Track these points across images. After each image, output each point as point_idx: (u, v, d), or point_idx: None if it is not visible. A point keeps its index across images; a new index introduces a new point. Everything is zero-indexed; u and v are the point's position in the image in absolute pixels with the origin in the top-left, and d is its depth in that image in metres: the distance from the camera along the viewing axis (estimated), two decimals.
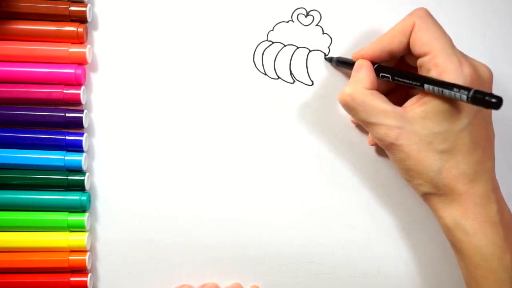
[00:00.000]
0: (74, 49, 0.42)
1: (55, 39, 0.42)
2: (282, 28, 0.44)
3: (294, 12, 0.44)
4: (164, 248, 0.45)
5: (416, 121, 0.36)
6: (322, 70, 0.44)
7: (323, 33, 0.44)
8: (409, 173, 0.38)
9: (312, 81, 0.45)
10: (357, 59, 0.40)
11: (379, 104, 0.37)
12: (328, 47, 0.44)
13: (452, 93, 0.33)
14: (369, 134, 0.44)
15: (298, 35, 0.44)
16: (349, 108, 0.38)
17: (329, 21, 0.44)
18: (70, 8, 0.42)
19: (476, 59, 0.37)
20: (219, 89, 0.44)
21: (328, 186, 0.45)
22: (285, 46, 0.44)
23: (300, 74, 0.45)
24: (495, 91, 0.40)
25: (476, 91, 0.32)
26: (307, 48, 0.44)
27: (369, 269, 0.46)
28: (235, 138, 0.45)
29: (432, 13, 0.38)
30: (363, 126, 0.39)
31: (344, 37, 0.44)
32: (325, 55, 0.44)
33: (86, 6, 0.42)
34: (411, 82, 0.36)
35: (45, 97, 0.43)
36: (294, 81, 0.45)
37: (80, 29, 0.42)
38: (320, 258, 0.46)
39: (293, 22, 0.44)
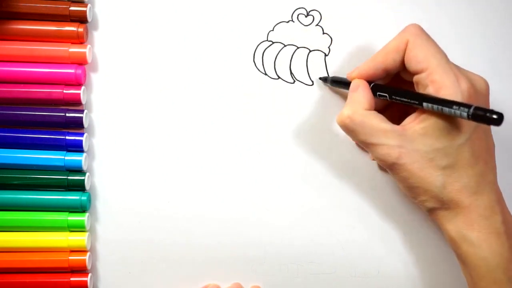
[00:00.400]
0: (74, 49, 0.42)
1: (55, 39, 0.42)
2: (282, 28, 0.44)
3: (294, 12, 0.44)
4: (164, 248, 0.45)
5: (416, 138, 0.36)
6: (322, 70, 0.44)
7: (323, 33, 0.44)
8: (413, 191, 0.38)
9: (312, 81, 0.45)
10: (353, 78, 0.40)
11: (379, 124, 0.37)
12: (328, 47, 0.44)
13: (452, 110, 0.33)
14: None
15: (298, 35, 0.44)
16: (349, 130, 0.38)
17: (329, 21, 0.44)
18: (70, 8, 0.42)
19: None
20: (219, 89, 0.44)
21: (328, 186, 0.45)
22: (285, 46, 0.44)
23: (300, 74, 0.45)
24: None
25: (477, 108, 0.32)
26: (307, 48, 0.44)
27: (369, 269, 0.46)
28: (235, 138, 0.45)
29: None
30: (363, 147, 0.39)
31: (344, 37, 0.44)
32: (325, 55, 0.44)
33: (86, 6, 0.42)
34: (409, 101, 0.36)
35: (45, 97, 0.43)
36: (294, 81, 0.45)
37: (80, 29, 0.42)
38: (320, 258, 0.46)
39: (293, 22, 0.44)
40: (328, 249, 0.46)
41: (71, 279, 0.44)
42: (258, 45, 0.44)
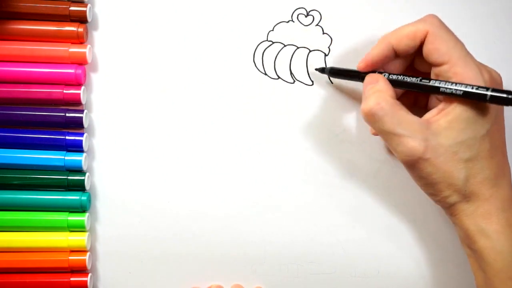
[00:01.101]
0: (74, 49, 0.42)
1: (55, 39, 0.42)
2: (282, 28, 0.44)
3: (294, 12, 0.44)
4: (164, 248, 0.45)
5: (440, 132, 0.36)
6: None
7: (323, 33, 0.44)
8: (435, 187, 0.37)
9: (312, 81, 0.45)
10: (366, 66, 0.40)
11: (406, 115, 0.37)
12: (328, 47, 0.44)
13: (473, 90, 0.34)
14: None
15: (298, 35, 0.44)
16: (376, 118, 0.37)
17: (329, 21, 0.44)
18: (70, 8, 0.42)
19: (475, 58, 0.38)
20: (219, 89, 0.44)
21: (328, 186, 0.45)
22: (285, 46, 0.44)
23: (300, 74, 0.45)
24: None
25: (495, 90, 0.34)
26: (307, 48, 0.44)
27: (369, 269, 0.46)
28: (235, 138, 0.45)
29: (432, 13, 0.38)
30: (385, 139, 0.38)
31: (344, 37, 0.44)
32: (325, 55, 0.44)
33: (86, 6, 0.42)
34: (431, 84, 0.37)
35: (45, 97, 0.43)
36: (294, 81, 0.45)
37: (80, 29, 0.42)
38: (320, 258, 0.46)
39: (293, 22, 0.44)
40: (328, 249, 0.46)
41: (71, 279, 0.44)
42: (258, 45, 0.44)
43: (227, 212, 0.45)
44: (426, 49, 0.37)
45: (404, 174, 0.45)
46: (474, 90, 0.35)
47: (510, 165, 0.39)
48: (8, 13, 0.42)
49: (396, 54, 0.39)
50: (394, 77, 0.38)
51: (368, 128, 0.44)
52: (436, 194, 0.38)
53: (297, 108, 0.45)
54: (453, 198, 0.37)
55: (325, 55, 0.44)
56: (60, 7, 0.42)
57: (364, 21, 0.44)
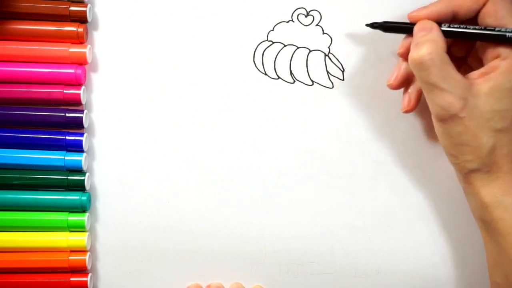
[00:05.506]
0: (74, 49, 0.42)
1: (55, 39, 0.42)
2: (282, 28, 0.44)
3: (294, 12, 0.44)
4: (164, 248, 0.45)
5: (480, 96, 0.36)
6: (322, 70, 0.44)
7: (323, 33, 0.44)
8: (461, 149, 0.37)
9: (312, 81, 0.45)
10: (419, 18, 0.39)
11: (452, 70, 0.36)
12: (328, 47, 0.44)
13: None
14: (393, 72, 0.41)
15: (298, 35, 0.44)
16: (424, 67, 0.36)
17: (329, 21, 0.44)
18: (70, 8, 0.42)
19: None
20: (219, 89, 0.44)
21: (328, 185, 0.45)
22: (285, 46, 0.44)
23: (300, 74, 0.45)
24: None
25: None
26: (307, 48, 0.44)
27: (369, 269, 0.46)
28: (235, 138, 0.45)
29: None
30: (425, 90, 0.37)
31: (344, 37, 0.44)
32: (325, 55, 0.44)
33: (86, 6, 0.42)
34: (491, 32, 0.37)
35: (45, 97, 0.43)
36: (294, 81, 0.45)
37: (80, 29, 0.42)
38: (320, 258, 0.46)
39: (293, 22, 0.44)
40: (328, 249, 0.46)
41: (71, 279, 0.44)
42: (258, 45, 0.44)
43: (227, 211, 0.45)
44: (485, 10, 0.37)
45: (404, 174, 0.45)
46: None
47: None
48: (8, 13, 0.42)
49: (453, 17, 0.38)
50: (452, 27, 0.38)
51: (368, 127, 0.44)
52: (458, 157, 0.38)
53: (297, 108, 0.45)
54: (474, 164, 0.37)
55: (325, 55, 0.44)
56: (60, 7, 0.42)
57: (364, 21, 0.44)
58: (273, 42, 0.44)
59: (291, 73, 0.45)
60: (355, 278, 0.46)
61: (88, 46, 0.43)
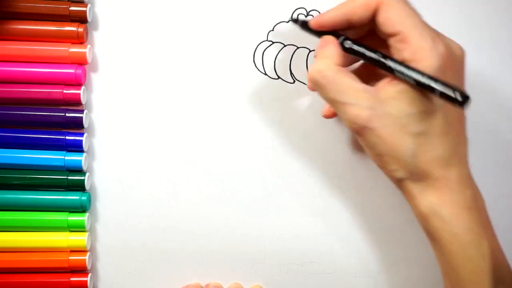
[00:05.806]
0: (74, 49, 0.42)
1: (55, 39, 0.42)
2: (282, 28, 0.44)
3: (294, 12, 0.44)
4: (164, 248, 0.45)
5: (388, 102, 0.34)
6: None
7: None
8: (383, 159, 0.35)
9: None
10: (318, 27, 0.38)
11: (350, 83, 0.35)
12: None
13: (421, 79, 0.33)
14: (324, 104, 0.42)
15: (298, 35, 0.44)
16: (319, 86, 0.36)
17: None
18: (70, 8, 0.42)
19: (433, 29, 0.36)
20: (219, 89, 0.44)
21: (328, 186, 0.45)
22: (285, 46, 0.44)
23: (300, 74, 0.45)
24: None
25: (445, 85, 0.32)
26: (307, 48, 0.44)
27: (369, 269, 0.46)
28: (235, 138, 0.45)
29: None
30: (332, 107, 0.36)
31: None
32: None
33: (86, 6, 0.42)
34: (378, 59, 0.35)
35: (45, 97, 0.43)
36: (294, 81, 0.45)
37: (80, 29, 0.42)
38: (320, 258, 0.46)
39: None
40: (328, 249, 0.46)
41: (71, 279, 0.44)
42: (258, 45, 0.44)
43: (227, 211, 0.45)
44: (380, 20, 0.35)
45: None
46: (424, 80, 0.33)
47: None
48: (8, 13, 0.42)
49: (350, 26, 0.37)
50: (354, 45, 0.36)
51: None
52: (384, 166, 0.36)
53: (297, 108, 0.45)
54: (400, 173, 0.35)
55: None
56: (60, 7, 0.42)
57: None
58: (273, 42, 0.44)
59: (291, 73, 0.45)
60: (355, 278, 0.46)
61: (88, 46, 0.43)
